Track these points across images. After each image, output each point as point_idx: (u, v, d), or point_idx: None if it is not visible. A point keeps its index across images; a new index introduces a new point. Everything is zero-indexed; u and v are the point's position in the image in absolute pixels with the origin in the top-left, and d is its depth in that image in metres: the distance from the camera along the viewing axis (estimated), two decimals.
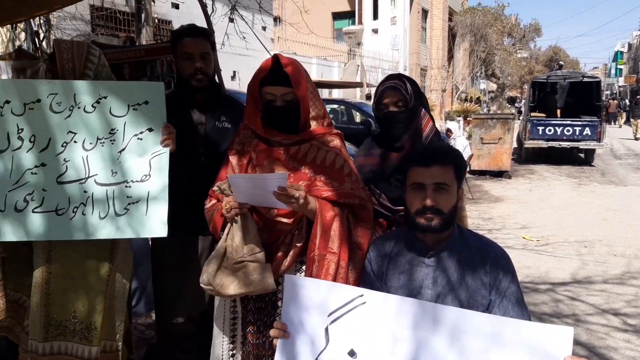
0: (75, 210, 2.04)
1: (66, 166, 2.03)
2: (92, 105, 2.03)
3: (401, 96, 2.15)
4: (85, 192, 2.05)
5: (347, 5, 26.33)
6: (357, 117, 11.94)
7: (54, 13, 9.85)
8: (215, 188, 1.93)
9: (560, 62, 15.80)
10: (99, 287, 2.14)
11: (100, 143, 2.05)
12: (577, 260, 5.47)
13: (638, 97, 29.59)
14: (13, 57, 7.02)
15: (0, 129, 2.01)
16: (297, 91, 1.90)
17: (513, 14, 36.59)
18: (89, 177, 2.05)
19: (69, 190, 2.04)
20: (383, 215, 2.18)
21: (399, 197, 2.08)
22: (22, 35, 8.72)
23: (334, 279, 1.80)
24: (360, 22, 25.14)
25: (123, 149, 2.06)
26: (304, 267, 1.94)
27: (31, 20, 8.26)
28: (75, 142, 2.03)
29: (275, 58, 1.93)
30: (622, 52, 59.55)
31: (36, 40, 8.55)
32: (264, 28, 14.53)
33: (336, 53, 21.83)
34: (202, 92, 2.40)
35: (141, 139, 2.08)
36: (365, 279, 1.83)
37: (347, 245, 1.88)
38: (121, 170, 2.07)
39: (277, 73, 1.89)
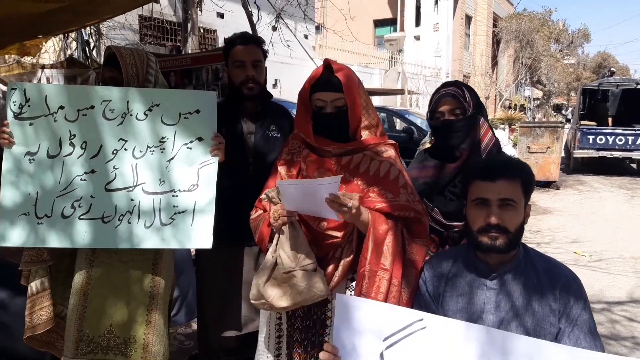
0: (121, 218, 2.03)
1: (115, 174, 2.02)
2: (144, 113, 2.02)
3: (459, 104, 2.05)
4: (132, 200, 2.03)
5: (388, 12, 26.18)
6: (398, 125, 11.76)
7: (104, 23, 10.17)
8: (263, 196, 1.87)
9: (612, 69, 15.15)
10: (141, 298, 2.11)
11: (150, 151, 2.03)
12: (633, 278, 5.17)
13: None
14: (64, 65, 7.26)
15: (53, 134, 2.02)
16: (347, 97, 1.82)
17: (560, 19, 35.42)
18: (137, 185, 2.03)
19: (116, 198, 2.03)
20: (435, 231, 2.07)
21: (454, 211, 1.98)
22: (73, 45, 9.02)
23: (386, 298, 1.71)
24: (402, 29, 24.92)
25: (172, 158, 2.04)
26: (354, 284, 1.86)
27: (82, 29, 8.53)
28: (125, 149, 2.02)
29: (327, 64, 1.87)
30: None
31: (87, 49, 8.84)
32: (305, 36, 14.57)
33: (377, 60, 21.70)
34: (252, 100, 2.38)
35: (190, 148, 2.05)
36: (419, 300, 1.73)
37: (400, 262, 1.79)
38: (169, 179, 2.04)
39: (328, 79, 1.84)
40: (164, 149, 2.04)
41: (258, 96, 2.39)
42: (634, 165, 13.88)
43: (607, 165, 13.42)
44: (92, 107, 2.01)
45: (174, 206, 2.05)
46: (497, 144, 2.12)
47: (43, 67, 7.21)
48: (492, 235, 1.53)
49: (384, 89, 18.29)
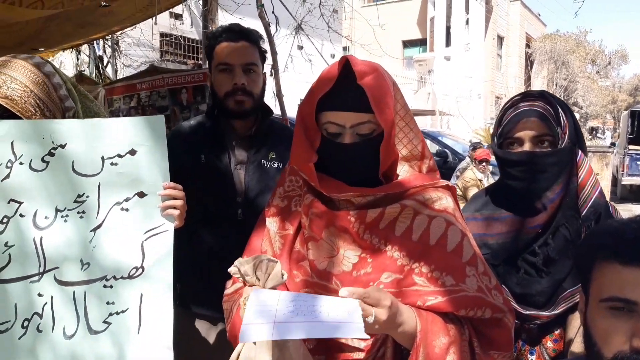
0: (25, 325, 1.26)
1: (8, 255, 1.25)
2: (43, 160, 1.25)
3: (548, 129, 1.35)
4: (39, 295, 1.26)
5: (418, 33, 25.68)
6: (430, 147, 10.94)
7: (123, 38, 9.73)
8: (232, 269, 1.09)
9: None
10: None
11: (62, 217, 1.25)
12: None
13: None
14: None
15: None
16: (380, 118, 1.10)
17: (596, 40, 34.68)
18: (45, 271, 1.26)
19: (13, 294, 1.25)
20: None
21: (534, 293, 1.34)
22: (86, 60, 8.54)
23: None
24: (431, 50, 24.31)
25: (99, 226, 1.27)
26: None
27: (95, 44, 8.05)
28: (21, 216, 1.24)
29: (345, 63, 1.12)
30: None
31: (100, 65, 8.32)
32: (332, 56, 13.97)
33: (406, 80, 21.04)
34: (243, 117, 1.78)
35: (127, 210, 1.28)
36: None
37: None
38: (96, 260, 1.27)
39: (348, 89, 1.10)
40: (83, 212, 1.26)
41: (251, 112, 1.77)
42: None
43: None
44: None
45: (107, 303, 1.27)
46: (602, 193, 1.39)
47: None
48: None
49: (414, 110, 17.59)
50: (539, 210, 1.35)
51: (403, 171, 1.17)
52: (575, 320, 1.31)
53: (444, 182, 1.19)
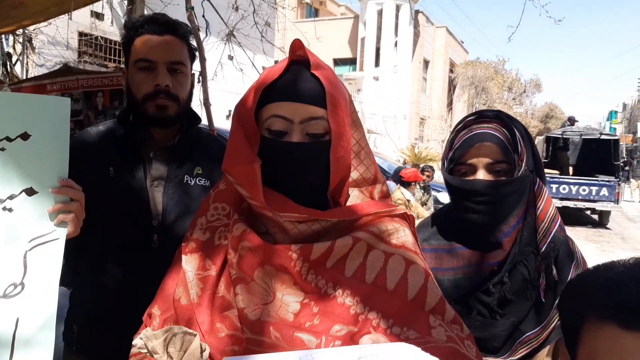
0: None
1: None
2: None
3: (504, 154, 1.22)
4: None
5: (349, 52, 26.16)
6: None
7: (37, 36, 9.03)
8: (137, 342, 0.85)
9: (575, 118, 15.00)
10: None
11: None
12: None
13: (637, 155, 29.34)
14: None
15: None
16: (333, 118, 0.92)
17: (513, 68, 37.02)
18: None
19: None
20: None
21: (487, 338, 1.21)
22: None
23: None
24: (361, 69, 24.83)
25: None
26: None
27: (3, 40, 7.37)
28: None
29: (297, 47, 0.94)
30: (616, 112, 60.21)
31: (8, 62, 7.63)
32: (264, 68, 13.81)
33: None
34: (165, 125, 1.46)
35: (10, 210, 1.03)
36: None
37: None
38: None
39: (299, 79, 0.92)
40: None
41: (175, 120, 1.46)
42: (595, 216, 13.66)
43: (568, 215, 13.16)
44: None
45: None
46: (562, 226, 1.25)
47: None
48: None
49: None
50: (493, 244, 1.22)
51: (353, 196, 1.00)
52: None
53: (400, 211, 1.00)
